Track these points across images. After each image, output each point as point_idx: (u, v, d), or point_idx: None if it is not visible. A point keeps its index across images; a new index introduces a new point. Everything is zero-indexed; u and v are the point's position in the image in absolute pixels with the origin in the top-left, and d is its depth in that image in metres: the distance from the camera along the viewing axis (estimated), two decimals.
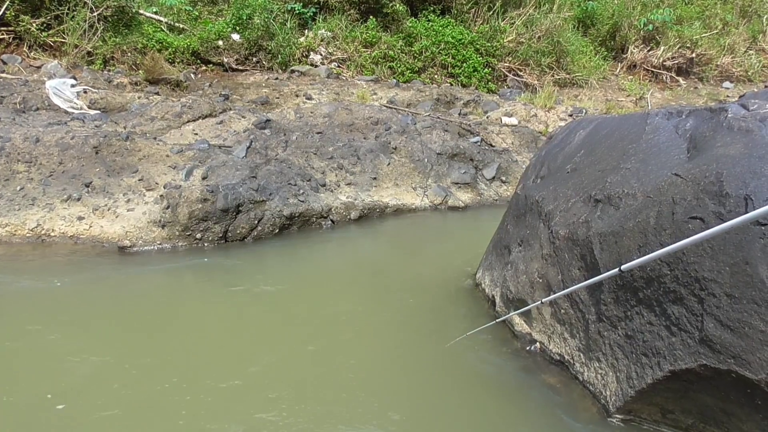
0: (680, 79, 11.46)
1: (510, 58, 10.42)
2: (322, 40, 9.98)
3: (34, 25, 7.98)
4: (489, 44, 10.18)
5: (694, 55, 11.65)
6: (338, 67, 9.70)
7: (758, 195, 2.17)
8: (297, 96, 8.28)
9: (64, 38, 8.09)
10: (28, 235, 4.64)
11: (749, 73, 12.09)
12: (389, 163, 6.36)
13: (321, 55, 9.80)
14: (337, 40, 9.95)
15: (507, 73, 10.32)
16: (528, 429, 2.66)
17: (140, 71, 8.14)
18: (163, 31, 8.98)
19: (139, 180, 5.21)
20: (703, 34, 11.94)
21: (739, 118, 2.57)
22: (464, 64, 9.89)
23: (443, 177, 6.50)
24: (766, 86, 11.66)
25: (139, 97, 7.24)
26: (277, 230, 5.12)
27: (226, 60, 9.15)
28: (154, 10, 9.30)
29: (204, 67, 9.04)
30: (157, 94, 7.60)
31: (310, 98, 8.20)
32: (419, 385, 2.95)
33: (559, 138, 3.93)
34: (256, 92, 8.32)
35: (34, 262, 4.33)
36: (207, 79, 8.68)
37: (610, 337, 2.69)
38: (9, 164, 5.10)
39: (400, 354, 3.25)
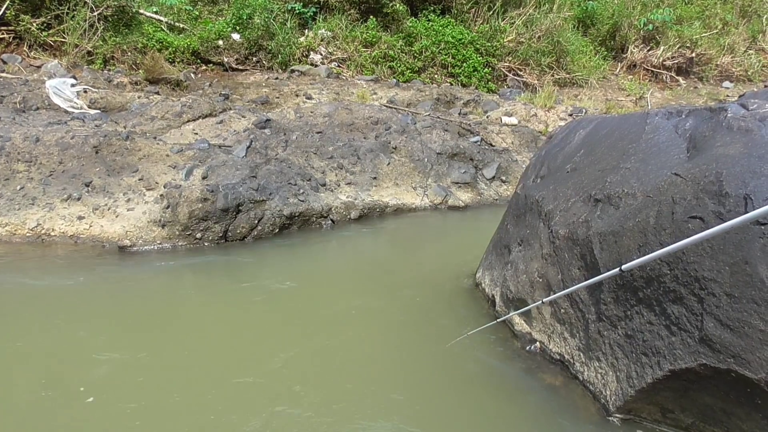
0: (680, 78, 11.46)
1: (510, 58, 10.42)
2: (322, 40, 9.98)
3: (34, 24, 7.98)
4: (489, 44, 10.18)
5: (694, 54, 11.66)
6: (338, 66, 9.70)
7: (758, 194, 2.17)
8: (297, 96, 8.28)
9: (64, 38, 8.10)
10: (28, 234, 4.64)
11: (749, 73, 12.10)
12: (389, 163, 6.36)
13: (321, 54, 9.80)
14: (337, 40, 9.96)
15: (507, 72, 10.32)
16: (528, 428, 2.66)
17: (140, 71, 8.14)
18: (164, 30, 8.98)
19: (139, 179, 5.21)
20: (703, 34, 11.95)
21: (739, 117, 2.58)
22: (464, 64, 9.89)
23: (443, 177, 6.50)
24: (765, 86, 11.66)
25: (139, 97, 7.24)
26: (277, 230, 5.12)
27: (226, 60, 9.16)
28: (155, 9, 9.30)
29: (204, 67, 9.05)
30: (157, 93, 7.60)
31: (310, 98, 8.20)
32: (420, 385, 2.95)
33: (559, 138, 3.94)
34: (256, 92, 8.32)
35: (55, 261, 4.34)
36: (207, 79, 8.68)
37: (610, 336, 2.69)
38: (9, 164, 5.10)
39: (401, 353, 3.26)
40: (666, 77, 11.45)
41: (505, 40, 10.34)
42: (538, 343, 3.22)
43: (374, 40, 9.87)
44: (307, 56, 9.73)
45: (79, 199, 4.94)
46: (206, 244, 4.83)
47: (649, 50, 11.54)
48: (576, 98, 9.87)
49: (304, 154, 6.11)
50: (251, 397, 2.79)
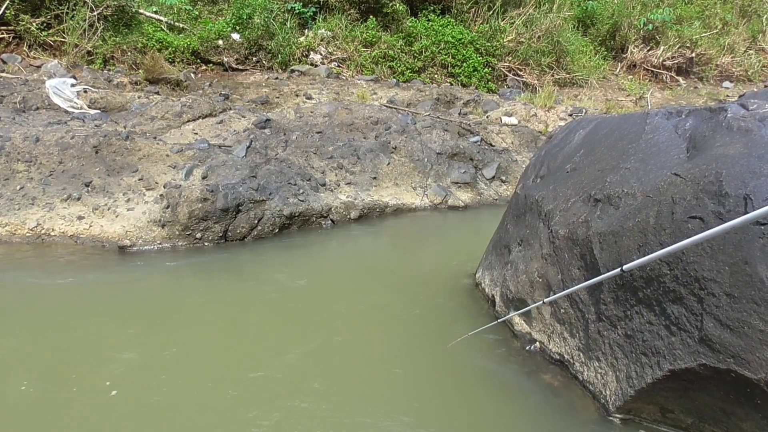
0: (680, 78, 11.46)
1: (510, 58, 10.42)
2: (322, 40, 9.98)
3: (34, 24, 7.98)
4: (489, 44, 10.18)
5: (693, 54, 11.66)
6: (338, 66, 9.70)
7: (757, 194, 2.17)
8: (297, 96, 8.28)
9: (64, 38, 8.10)
10: (28, 234, 4.64)
11: (749, 73, 12.10)
12: (389, 163, 6.36)
13: (321, 54, 9.80)
14: (337, 40, 9.96)
15: (507, 72, 10.32)
16: (528, 428, 2.66)
17: (140, 71, 8.14)
18: (163, 30, 8.98)
19: (139, 179, 5.21)
20: (703, 34, 11.95)
21: (739, 117, 2.58)
22: (464, 64, 9.89)
23: (443, 176, 6.50)
24: (765, 86, 11.67)
25: (139, 97, 7.24)
26: (277, 230, 5.12)
27: (226, 59, 9.16)
28: (154, 9, 9.30)
29: (204, 67, 9.05)
30: (157, 93, 7.60)
31: (310, 98, 8.20)
32: (420, 384, 2.95)
33: (558, 138, 3.94)
34: (256, 92, 8.32)
35: (58, 261, 4.34)
36: (207, 79, 8.68)
37: (609, 336, 2.69)
38: (9, 164, 5.10)
39: (401, 353, 3.26)
40: (666, 77, 11.45)
41: (505, 40, 10.34)
42: (537, 343, 3.22)
43: (374, 40, 9.87)
44: (307, 56, 9.73)
45: (79, 199, 4.94)
46: (206, 244, 4.83)
47: (649, 50, 11.55)
48: (576, 98, 9.87)
49: (304, 154, 6.11)
50: (250, 396, 2.79)
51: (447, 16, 10.52)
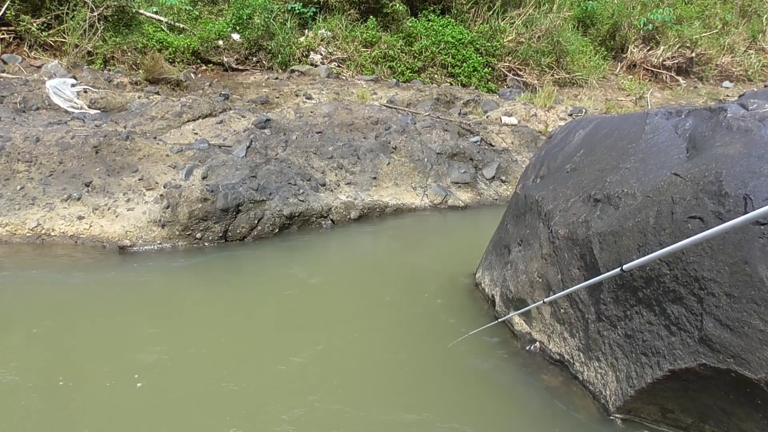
0: (680, 78, 11.46)
1: (510, 58, 10.42)
2: (322, 40, 9.98)
3: (34, 24, 7.98)
4: (489, 44, 10.18)
5: (693, 54, 11.66)
6: (338, 66, 9.71)
7: (757, 194, 2.17)
8: (297, 96, 8.28)
9: (64, 38, 8.10)
10: (28, 234, 4.64)
11: (749, 73, 12.10)
12: (389, 163, 6.36)
13: (321, 54, 9.80)
14: (337, 40, 9.96)
15: (507, 72, 10.32)
16: (528, 428, 2.66)
17: (140, 71, 8.14)
18: (164, 30, 8.98)
19: (139, 179, 5.21)
20: (703, 34, 11.95)
21: (739, 117, 2.58)
22: (464, 64, 9.89)
23: (443, 177, 6.50)
24: (765, 86, 11.66)
25: (139, 97, 7.24)
26: (277, 230, 5.12)
27: (226, 60, 9.16)
28: (155, 9, 9.30)
29: (204, 67, 9.05)
30: (157, 93, 7.60)
31: (310, 98, 8.20)
32: (420, 384, 2.95)
33: (558, 138, 3.94)
34: (256, 92, 8.32)
35: (65, 259, 4.36)
36: (207, 79, 8.68)
37: (609, 336, 2.69)
38: (9, 164, 5.10)
39: (401, 353, 3.26)
40: (666, 77, 11.45)
41: (504, 40, 10.34)
42: (537, 343, 3.22)
43: (374, 40, 9.87)
44: (307, 56, 9.73)
45: (79, 199, 4.94)
46: (206, 244, 4.83)
47: (649, 50, 11.54)
48: (576, 98, 9.87)
49: (304, 154, 6.12)
50: (249, 396, 2.80)
51: (447, 16, 10.52)
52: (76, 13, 8.08)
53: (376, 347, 3.33)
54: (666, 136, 2.90)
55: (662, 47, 11.45)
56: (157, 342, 3.27)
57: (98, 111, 6.74)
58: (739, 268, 2.14)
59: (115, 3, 8.41)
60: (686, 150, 2.70)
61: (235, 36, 9.27)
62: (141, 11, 8.99)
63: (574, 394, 2.82)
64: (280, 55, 9.31)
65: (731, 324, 2.14)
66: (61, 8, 8.11)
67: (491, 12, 10.56)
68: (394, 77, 9.58)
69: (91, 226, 4.78)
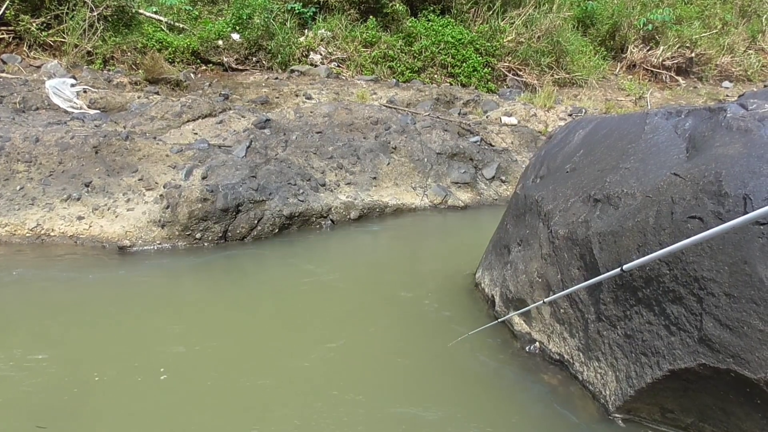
0: (680, 78, 11.47)
1: (510, 58, 10.42)
2: (321, 40, 9.98)
3: (34, 24, 7.98)
4: (489, 44, 10.18)
5: (693, 54, 11.66)
6: (338, 66, 9.70)
7: (757, 194, 2.17)
8: (297, 96, 8.28)
9: (63, 38, 8.09)
10: (27, 234, 4.64)
11: (748, 73, 12.11)
12: (389, 163, 6.36)
13: (321, 54, 9.80)
14: (337, 40, 9.95)
15: (507, 72, 10.32)
16: (527, 428, 2.66)
17: (140, 71, 8.14)
18: (163, 30, 8.98)
19: (139, 180, 5.21)
20: (703, 34, 11.95)
21: (738, 117, 2.58)
22: (464, 64, 9.89)
23: (443, 177, 6.50)
24: (765, 86, 11.67)
25: (138, 97, 7.24)
26: (277, 230, 5.12)
27: (225, 60, 9.15)
28: (154, 9, 9.30)
29: (204, 67, 9.04)
30: (157, 93, 7.60)
31: (309, 98, 8.20)
32: (420, 384, 2.95)
33: (558, 138, 3.94)
34: (256, 92, 8.32)
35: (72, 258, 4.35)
36: (207, 79, 8.68)
37: (609, 336, 2.69)
38: (9, 164, 5.10)
39: (401, 353, 3.26)
40: (665, 77, 11.45)
41: (504, 40, 10.34)
42: (537, 343, 3.22)
43: (374, 40, 9.87)
44: (306, 56, 9.73)
45: (78, 199, 4.94)
46: (206, 244, 4.83)
47: (648, 50, 11.55)
48: (575, 98, 9.87)
49: (303, 154, 6.12)
50: (250, 397, 2.80)
51: (447, 16, 10.52)
52: (75, 12, 8.08)
53: (376, 347, 3.33)
54: (666, 136, 2.90)
55: (662, 47, 11.46)
56: (170, 341, 3.30)
57: (98, 111, 6.74)
58: (738, 268, 2.14)
59: (115, 3, 8.40)
60: (686, 150, 2.70)
61: (235, 36, 9.27)
62: (141, 11, 8.98)
63: (573, 394, 2.82)
64: (279, 55, 9.31)
65: (731, 324, 2.14)
66: (60, 8, 8.10)
67: (491, 12, 10.56)
68: (393, 77, 9.58)
69: (90, 226, 4.78)
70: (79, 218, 4.82)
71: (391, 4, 9.98)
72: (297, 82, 8.85)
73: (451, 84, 9.74)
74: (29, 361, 2.99)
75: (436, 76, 9.85)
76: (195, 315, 3.68)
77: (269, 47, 9.31)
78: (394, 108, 7.80)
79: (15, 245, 4.54)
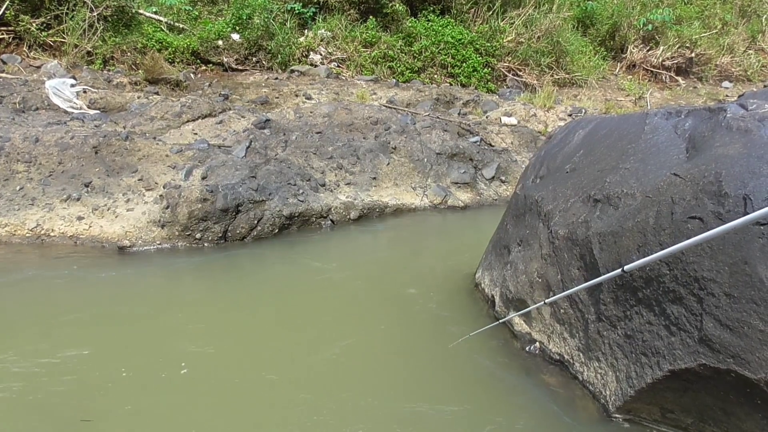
0: (679, 78, 11.46)
1: (509, 58, 10.42)
2: (321, 40, 9.98)
3: (33, 24, 7.97)
4: (488, 44, 10.18)
5: (693, 54, 11.66)
6: (338, 66, 9.70)
7: (757, 195, 2.17)
8: (297, 96, 8.28)
9: (63, 38, 8.09)
10: (27, 235, 4.64)
11: (748, 73, 12.11)
12: (389, 163, 6.36)
13: (321, 55, 9.80)
14: (337, 40, 9.95)
15: (506, 73, 10.32)
16: (528, 429, 2.66)
17: (140, 71, 8.14)
18: (163, 30, 8.97)
19: (139, 180, 5.21)
20: (703, 34, 11.95)
21: (738, 118, 2.58)
22: (464, 64, 9.89)
23: (443, 177, 6.50)
24: (765, 86, 11.67)
25: (138, 97, 7.24)
26: (277, 230, 5.12)
27: (225, 60, 9.15)
28: (154, 9, 9.29)
29: (204, 67, 9.04)
30: (157, 93, 7.60)
31: (309, 98, 8.20)
32: (420, 385, 2.95)
33: (558, 138, 3.94)
34: (256, 92, 8.32)
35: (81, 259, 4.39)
36: (207, 79, 8.68)
37: (609, 336, 2.69)
38: (8, 164, 5.10)
39: (401, 354, 3.26)
40: (665, 77, 11.45)
41: (504, 41, 10.33)
42: (537, 343, 3.22)
43: (374, 40, 9.87)
44: (306, 56, 9.73)
45: (78, 199, 4.94)
46: (206, 244, 4.83)
47: (648, 50, 11.54)
48: (575, 98, 9.87)
49: (303, 154, 6.11)
50: (251, 397, 2.80)
51: (447, 16, 10.52)
52: (75, 13, 8.08)
53: (377, 347, 3.33)
54: (665, 136, 2.90)
55: (662, 47, 11.45)
56: (181, 340, 3.33)
57: (98, 111, 6.74)
58: (738, 269, 2.14)
59: (115, 3, 8.40)
60: (686, 150, 2.70)
61: (235, 36, 9.27)
62: (140, 11, 8.98)
63: (574, 394, 2.82)
64: (279, 55, 9.31)
65: (731, 324, 2.14)
66: (60, 8, 8.10)
67: (491, 12, 10.56)
68: (393, 77, 9.58)
69: (90, 227, 4.77)
70: (79, 218, 4.81)
71: (391, 4, 9.98)
72: (297, 82, 8.85)
73: (451, 84, 9.74)
74: (55, 359, 3.06)
75: (436, 76, 9.85)
76: (196, 315, 3.68)
77: (269, 47, 9.31)
78: (394, 108, 7.80)
79: (15, 245, 4.54)
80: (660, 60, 11.39)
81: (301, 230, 5.29)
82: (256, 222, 5.02)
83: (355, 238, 5.33)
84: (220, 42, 9.17)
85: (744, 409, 2.21)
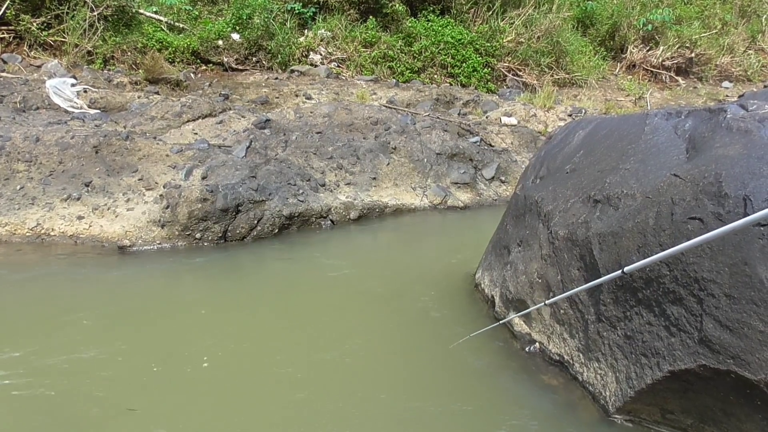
0: (679, 78, 11.47)
1: (509, 58, 10.42)
2: (321, 40, 9.98)
3: (34, 24, 7.97)
4: (488, 44, 10.18)
5: (693, 54, 11.66)
6: (338, 67, 9.70)
7: (757, 195, 2.18)
8: (297, 96, 8.28)
9: (64, 37, 8.09)
10: (27, 234, 4.64)
11: (748, 73, 12.11)
12: (389, 163, 6.36)
13: (321, 55, 9.80)
14: (337, 40, 9.95)
15: (506, 73, 10.32)
16: (528, 429, 2.67)
17: (140, 71, 8.14)
18: (163, 30, 8.97)
19: (139, 179, 5.21)
20: (703, 34, 11.95)
21: (738, 118, 2.58)
22: (464, 64, 9.89)
23: (443, 177, 6.50)
24: (765, 86, 11.67)
25: (139, 97, 7.24)
26: (277, 230, 5.12)
27: (226, 60, 9.15)
28: (154, 9, 9.29)
29: (204, 67, 9.04)
30: (157, 93, 7.60)
31: (309, 98, 8.20)
32: (420, 386, 2.95)
33: (558, 138, 3.94)
34: (256, 92, 8.32)
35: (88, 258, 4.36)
36: (207, 79, 8.68)
37: (609, 337, 2.70)
38: (9, 163, 5.10)
39: (401, 355, 3.26)
40: (665, 77, 11.46)
41: (504, 41, 10.33)
42: (537, 343, 3.22)
43: (374, 40, 9.87)
44: (306, 56, 9.73)
45: (78, 198, 4.94)
46: (206, 244, 4.83)
47: (648, 50, 11.55)
48: (575, 98, 9.87)
49: (303, 154, 6.11)
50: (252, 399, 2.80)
51: (446, 16, 10.52)
52: (76, 12, 8.08)
53: (377, 347, 3.33)
54: (666, 136, 2.90)
55: (662, 47, 11.46)
56: (190, 338, 3.35)
57: (98, 111, 6.74)
58: (738, 269, 2.14)
59: (115, 3, 8.40)
60: (686, 151, 2.70)
61: (235, 36, 9.27)
62: (141, 11, 8.98)
63: (573, 394, 2.82)
64: (279, 55, 9.31)
65: (731, 325, 2.14)
66: (61, 8, 8.10)
67: (491, 12, 10.56)
68: (393, 77, 9.58)
69: (90, 226, 4.78)
70: (79, 218, 4.82)
71: (390, 4, 9.98)
72: (297, 82, 8.85)
73: (451, 84, 9.74)
74: (84, 355, 3.15)
75: (435, 76, 9.85)
76: (197, 315, 3.68)
77: (269, 47, 9.31)
78: (394, 108, 7.80)
79: (15, 244, 4.54)
80: (660, 60, 11.40)
81: (301, 230, 5.30)
82: (256, 222, 5.02)
83: (355, 238, 5.33)
84: (220, 42, 9.17)
85: (744, 410, 2.21)
